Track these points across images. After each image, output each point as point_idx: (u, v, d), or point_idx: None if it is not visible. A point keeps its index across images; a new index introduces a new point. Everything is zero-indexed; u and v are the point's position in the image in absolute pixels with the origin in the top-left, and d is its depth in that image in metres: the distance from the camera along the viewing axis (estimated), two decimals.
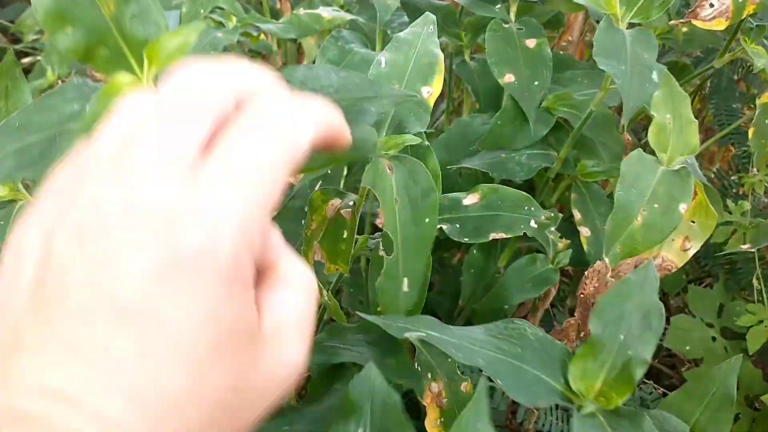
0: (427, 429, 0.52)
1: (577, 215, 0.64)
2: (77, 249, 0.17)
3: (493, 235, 0.54)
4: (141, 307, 0.17)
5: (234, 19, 0.78)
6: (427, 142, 0.50)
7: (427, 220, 0.47)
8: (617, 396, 0.38)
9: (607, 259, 0.46)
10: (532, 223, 0.55)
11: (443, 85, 0.53)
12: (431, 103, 0.52)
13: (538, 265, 0.62)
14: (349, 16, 0.81)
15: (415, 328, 0.39)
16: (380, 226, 0.69)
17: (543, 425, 0.70)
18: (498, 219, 0.54)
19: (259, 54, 0.97)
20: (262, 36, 0.84)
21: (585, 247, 0.62)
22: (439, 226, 0.51)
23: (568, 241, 0.63)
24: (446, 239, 0.55)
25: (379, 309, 0.50)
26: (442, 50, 0.54)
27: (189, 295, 0.17)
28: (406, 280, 0.47)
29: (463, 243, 0.79)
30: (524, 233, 0.59)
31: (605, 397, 0.38)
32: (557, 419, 0.70)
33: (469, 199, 0.53)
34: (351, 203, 0.53)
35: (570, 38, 0.87)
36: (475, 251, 0.71)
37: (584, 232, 0.63)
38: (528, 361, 0.38)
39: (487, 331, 0.41)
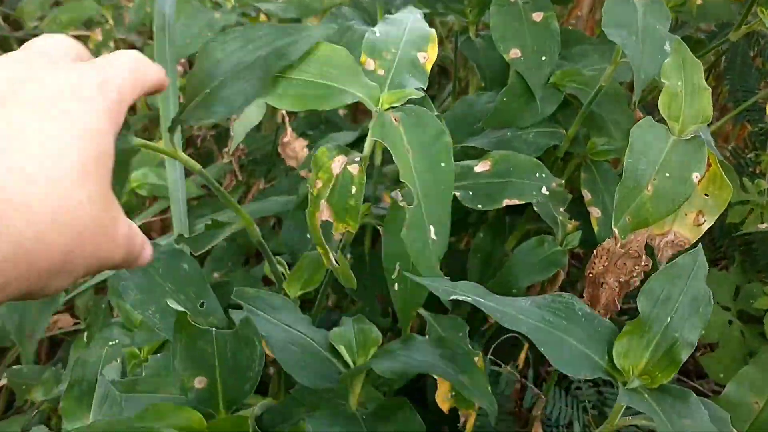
0: (438, 402, 0.51)
1: (587, 195, 0.62)
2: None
3: (506, 201, 0.53)
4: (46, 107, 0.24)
5: (231, 1, 0.76)
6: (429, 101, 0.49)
7: (442, 164, 0.46)
8: (661, 376, 0.38)
9: (616, 230, 0.44)
10: (544, 190, 0.54)
11: (450, 66, 0.52)
12: (428, 68, 0.51)
13: (546, 248, 0.59)
14: None
15: (461, 292, 0.39)
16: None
17: (551, 412, 0.68)
18: (509, 185, 0.53)
19: None
20: (262, 17, 0.82)
21: (595, 228, 0.60)
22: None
23: (578, 223, 0.61)
24: (454, 221, 0.54)
25: (394, 278, 0.49)
26: (449, 29, 0.52)
27: (72, 117, 0.24)
28: (432, 227, 0.45)
29: (470, 226, 0.78)
30: (534, 212, 0.58)
31: (650, 376, 0.39)
32: (566, 405, 0.68)
33: (481, 167, 0.51)
34: (357, 159, 0.51)
35: (579, 13, 0.85)
36: (482, 234, 0.69)
37: (594, 212, 0.61)
38: (573, 334, 0.39)
39: (534, 302, 0.41)
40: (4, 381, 0.74)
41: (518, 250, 0.59)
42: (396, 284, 0.52)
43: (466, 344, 0.53)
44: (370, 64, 0.51)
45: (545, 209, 0.58)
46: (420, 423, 0.46)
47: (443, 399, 0.52)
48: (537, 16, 0.63)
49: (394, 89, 0.49)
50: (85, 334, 0.71)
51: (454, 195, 0.51)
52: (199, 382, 0.46)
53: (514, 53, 0.61)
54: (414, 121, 0.46)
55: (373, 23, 0.71)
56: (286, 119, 0.81)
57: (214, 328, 0.46)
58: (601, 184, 0.62)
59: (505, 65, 0.69)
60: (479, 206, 0.52)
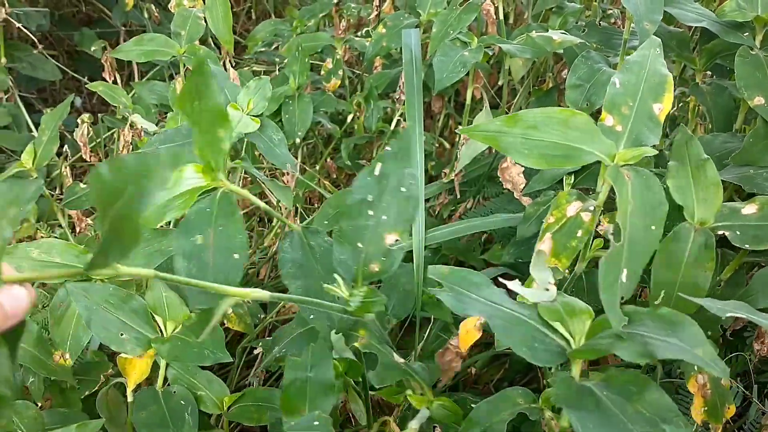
0: (693, 415, 0.57)
1: None
2: None
3: None
4: None
5: (475, 39, 0.87)
6: (706, 156, 0.55)
7: (653, 227, 0.51)
8: None
9: None
10: None
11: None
12: (662, 119, 0.56)
13: None
14: (577, 40, 0.88)
15: (735, 310, 0.44)
16: None
17: None
18: None
19: None
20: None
21: None
22: (720, 232, 0.55)
23: None
24: None
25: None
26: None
27: None
28: (625, 271, 0.50)
29: None
30: None
31: None
32: None
33: (748, 209, 0.57)
34: (591, 207, 0.59)
35: None
36: None
37: None
38: None
39: None
40: None
41: (758, 274, 0.65)
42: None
43: None
44: (609, 120, 0.56)
45: None
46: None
47: (697, 413, 0.57)
48: None
49: (630, 145, 0.55)
50: None
51: (723, 234, 0.57)
52: None
53: (758, 100, 0.67)
54: (642, 184, 0.52)
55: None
56: None
57: None
58: None
59: (731, 110, 0.75)
60: (746, 246, 0.56)
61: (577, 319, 0.49)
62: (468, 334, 0.65)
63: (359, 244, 0.52)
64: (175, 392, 0.68)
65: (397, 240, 0.51)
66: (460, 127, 0.93)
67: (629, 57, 0.59)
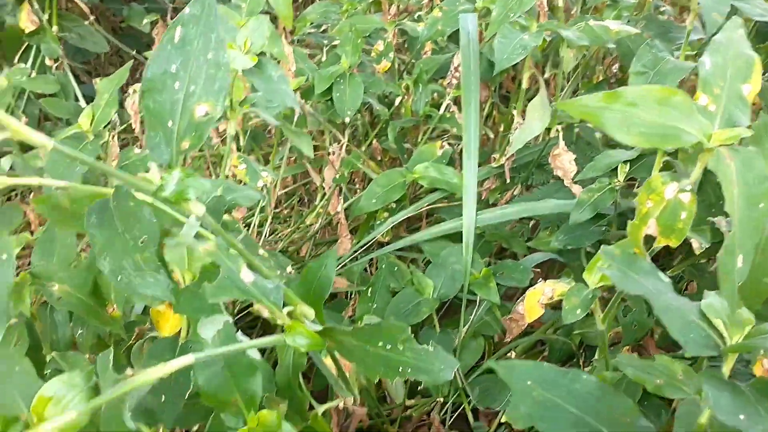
0: None
1: None
2: None
3: None
4: None
5: (534, 24, 0.87)
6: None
7: (761, 205, 0.51)
8: None
9: None
10: None
11: None
12: (750, 100, 0.56)
13: None
14: (635, 30, 0.87)
15: None
16: None
17: None
18: None
19: None
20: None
21: None
22: None
23: None
24: None
25: None
26: None
27: None
28: (741, 256, 0.51)
29: None
30: None
31: None
32: None
33: None
34: (688, 187, 0.59)
35: None
36: None
37: None
38: None
39: None
40: None
41: None
42: None
43: None
44: (703, 99, 0.56)
45: None
46: None
47: None
48: None
49: (724, 125, 0.55)
50: None
51: None
52: None
53: None
54: (744, 162, 0.52)
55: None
56: (560, 134, 0.91)
57: None
58: None
59: None
60: None
61: (738, 325, 0.51)
62: (532, 309, 0.65)
63: (170, 122, 0.46)
64: (191, 346, 0.64)
65: (207, 112, 0.46)
66: (514, 111, 0.93)
67: (715, 38, 0.58)
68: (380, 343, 0.45)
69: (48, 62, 1.26)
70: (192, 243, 0.42)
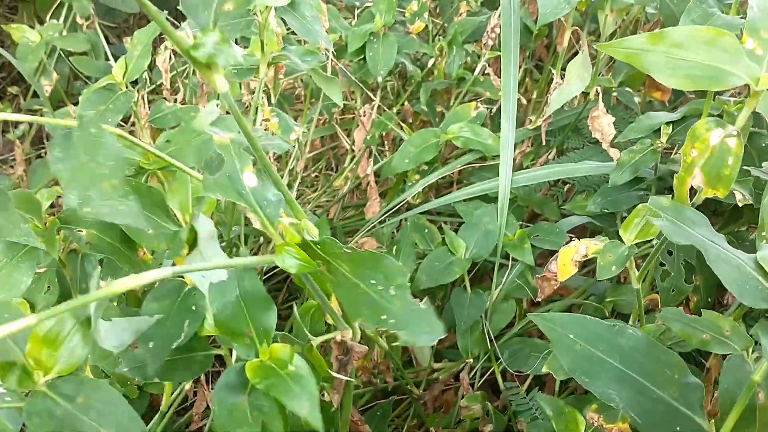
0: None
1: None
2: None
3: None
4: None
5: None
6: None
7: None
8: None
9: None
10: None
11: None
12: None
13: None
14: None
15: None
16: None
17: None
18: None
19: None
20: None
21: None
22: None
23: None
24: None
25: None
26: None
27: None
28: None
29: None
30: None
31: None
32: None
33: None
34: (734, 132, 0.57)
35: None
36: None
37: None
38: None
39: None
40: None
41: None
42: None
43: None
44: (750, 43, 0.54)
45: None
46: None
47: None
48: None
49: None
50: None
51: None
52: None
53: None
54: None
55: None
56: (600, 95, 0.88)
57: None
58: None
59: None
60: None
61: None
62: (566, 266, 0.63)
63: None
64: (195, 294, 0.59)
65: None
66: (553, 74, 0.91)
67: None
68: (373, 281, 0.39)
69: (79, 20, 1.25)
70: (207, 130, 0.39)
